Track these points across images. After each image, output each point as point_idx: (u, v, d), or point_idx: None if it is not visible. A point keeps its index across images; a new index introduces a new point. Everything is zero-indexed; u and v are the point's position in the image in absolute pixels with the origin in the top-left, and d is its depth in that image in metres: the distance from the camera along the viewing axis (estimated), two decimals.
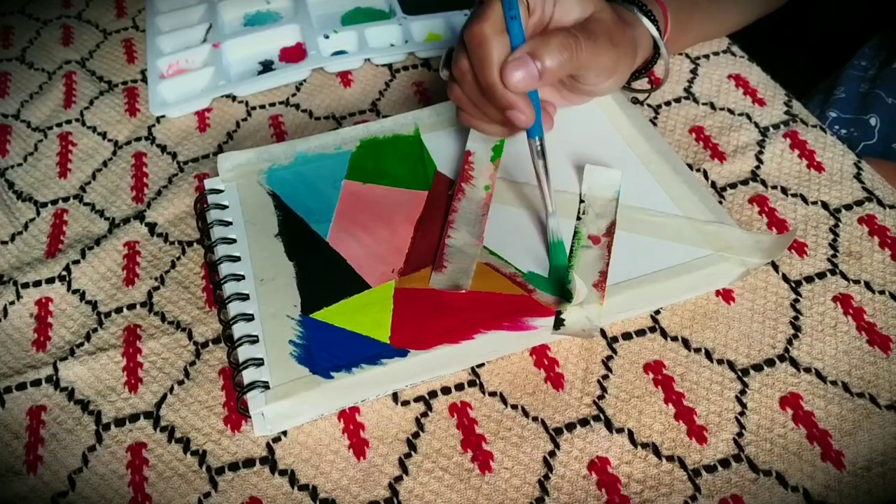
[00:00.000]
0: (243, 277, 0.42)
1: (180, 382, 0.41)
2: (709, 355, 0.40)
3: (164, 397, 0.40)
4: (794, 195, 0.47)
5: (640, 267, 0.41)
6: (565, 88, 0.47)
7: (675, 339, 0.40)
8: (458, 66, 0.41)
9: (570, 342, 0.41)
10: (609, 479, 0.36)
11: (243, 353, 0.39)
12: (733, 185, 0.47)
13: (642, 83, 0.52)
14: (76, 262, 0.47)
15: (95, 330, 0.44)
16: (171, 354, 0.42)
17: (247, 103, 0.57)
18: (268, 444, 0.38)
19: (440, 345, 0.38)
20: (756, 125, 0.51)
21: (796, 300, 0.42)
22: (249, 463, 0.37)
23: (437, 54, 0.60)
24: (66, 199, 0.52)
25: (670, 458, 0.36)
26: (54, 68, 0.63)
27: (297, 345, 0.39)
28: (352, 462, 0.37)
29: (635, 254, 0.42)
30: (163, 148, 0.55)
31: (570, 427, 0.37)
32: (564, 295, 0.40)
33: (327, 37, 0.61)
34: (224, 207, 0.46)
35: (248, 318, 0.40)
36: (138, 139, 0.56)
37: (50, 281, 0.46)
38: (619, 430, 0.37)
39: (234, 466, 0.37)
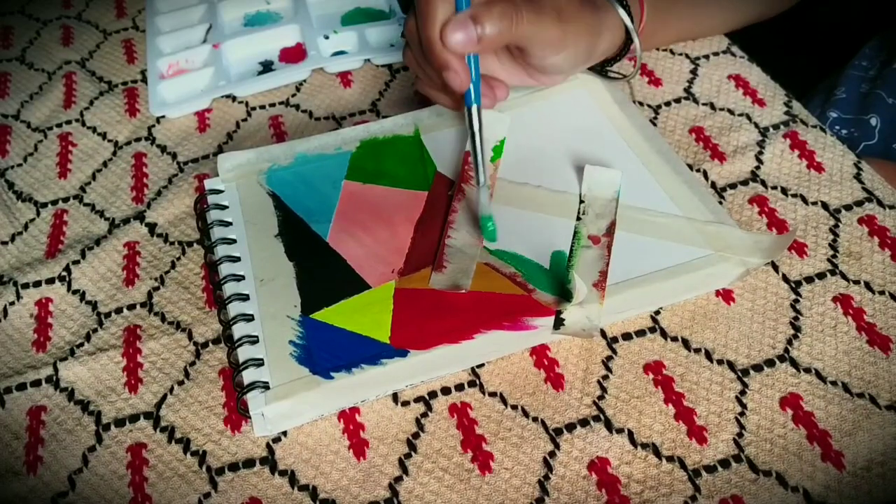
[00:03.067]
0: (243, 278, 0.42)
1: (180, 383, 0.41)
2: (709, 355, 0.40)
3: (164, 398, 0.40)
4: (794, 195, 0.47)
5: (640, 267, 0.41)
6: (523, 65, 0.47)
7: (675, 339, 0.40)
8: (408, 26, 0.43)
9: (570, 342, 0.41)
10: (609, 480, 0.36)
11: (243, 353, 0.39)
12: (733, 186, 0.47)
13: (619, 68, 0.52)
14: (76, 262, 0.47)
15: (95, 330, 0.44)
16: (171, 355, 0.42)
17: (247, 104, 0.57)
18: (268, 445, 0.38)
19: (440, 345, 0.38)
20: (756, 125, 0.51)
21: (796, 300, 0.42)
22: (249, 463, 0.37)
23: None
24: (66, 200, 0.52)
25: (670, 459, 0.36)
26: (54, 68, 0.63)
27: (297, 345, 0.39)
28: (352, 462, 0.37)
29: (635, 254, 0.42)
30: (163, 148, 0.55)
31: (570, 427, 0.37)
32: (564, 295, 0.40)
33: (327, 37, 0.61)
34: (224, 208, 0.46)
35: (248, 318, 0.40)
36: (138, 139, 0.56)
37: (50, 281, 0.46)
38: (619, 431, 0.37)
39: (234, 467, 0.37)
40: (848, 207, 0.46)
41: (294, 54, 0.61)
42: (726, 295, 0.42)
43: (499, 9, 0.40)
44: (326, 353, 0.39)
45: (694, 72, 0.55)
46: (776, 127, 0.51)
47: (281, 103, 0.57)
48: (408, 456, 0.37)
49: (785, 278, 0.43)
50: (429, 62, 0.41)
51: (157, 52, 0.60)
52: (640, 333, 0.41)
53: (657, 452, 0.36)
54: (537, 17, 0.41)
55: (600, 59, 0.49)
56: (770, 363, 0.39)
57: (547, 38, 0.43)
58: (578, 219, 0.44)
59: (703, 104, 0.53)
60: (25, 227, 0.51)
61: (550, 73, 0.48)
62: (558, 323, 0.39)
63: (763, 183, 0.47)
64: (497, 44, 0.41)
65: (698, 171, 0.48)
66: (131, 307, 0.45)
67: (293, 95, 0.58)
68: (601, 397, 0.38)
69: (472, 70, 0.41)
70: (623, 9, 0.46)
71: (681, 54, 0.57)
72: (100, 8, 0.69)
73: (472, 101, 0.42)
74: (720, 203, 0.46)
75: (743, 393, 0.38)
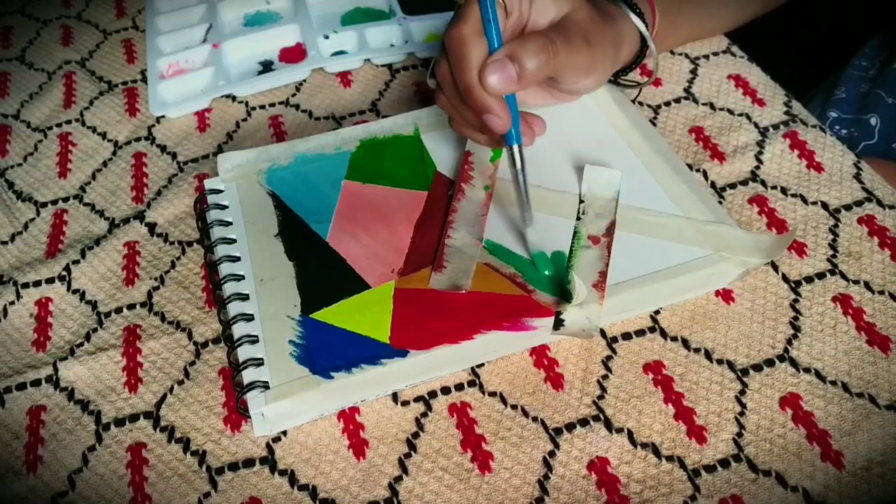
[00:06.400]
0: (243, 277, 0.42)
1: (180, 382, 0.41)
2: (708, 355, 0.40)
3: (164, 397, 0.40)
4: (793, 195, 0.47)
5: (639, 267, 0.41)
6: (547, 88, 0.47)
7: (674, 339, 0.40)
8: (440, 71, 0.41)
9: (569, 342, 0.41)
10: (609, 479, 0.36)
11: (243, 353, 0.39)
12: (733, 186, 0.47)
13: (633, 77, 0.52)
14: (76, 262, 0.47)
15: (95, 330, 0.44)
16: (171, 354, 0.42)
17: (247, 103, 0.57)
18: (268, 444, 0.38)
19: (440, 345, 0.39)
20: (756, 125, 0.51)
21: (796, 300, 0.42)
22: (249, 463, 0.37)
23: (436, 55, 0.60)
24: (66, 199, 0.52)
25: (670, 458, 0.36)
26: (54, 68, 0.63)
27: (297, 345, 0.39)
28: (352, 462, 0.37)
29: (635, 254, 0.42)
30: (163, 148, 0.55)
31: (570, 427, 0.37)
32: (564, 295, 0.40)
33: (327, 37, 0.61)
34: (224, 207, 0.46)
35: (248, 318, 0.40)
36: (138, 139, 0.56)
37: (50, 281, 0.46)
38: (619, 430, 0.37)
39: (233, 466, 0.37)
40: (848, 207, 0.46)
41: (294, 54, 0.61)
42: (726, 295, 0.42)
43: (534, 44, 0.39)
44: (326, 352, 0.39)
45: (694, 72, 0.55)
46: (776, 127, 0.51)
47: (281, 103, 0.57)
48: (408, 456, 0.37)
49: (785, 278, 0.43)
50: (466, 105, 0.40)
51: (157, 52, 0.60)
52: (640, 333, 0.41)
53: (657, 452, 0.36)
54: (569, 45, 0.40)
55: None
56: (770, 363, 0.39)
57: (578, 64, 0.42)
58: (578, 219, 0.44)
59: (703, 104, 0.53)
60: (25, 226, 0.51)
61: (576, 94, 0.47)
62: (558, 323, 0.39)
63: (763, 183, 0.47)
64: (537, 80, 0.40)
65: (698, 171, 0.48)
66: (131, 307, 0.45)
67: (293, 95, 0.58)
68: (601, 397, 0.38)
69: (511, 109, 0.39)
70: (637, 17, 0.46)
71: (680, 54, 0.57)
72: (100, 8, 0.69)
73: (514, 140, 0.40)
74: (720, 203, 0.46)
75: (743, 393, 0.38)
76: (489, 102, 0.38)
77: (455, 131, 0.45)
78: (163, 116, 0.57)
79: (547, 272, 0.41)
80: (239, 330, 0.40)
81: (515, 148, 0.40)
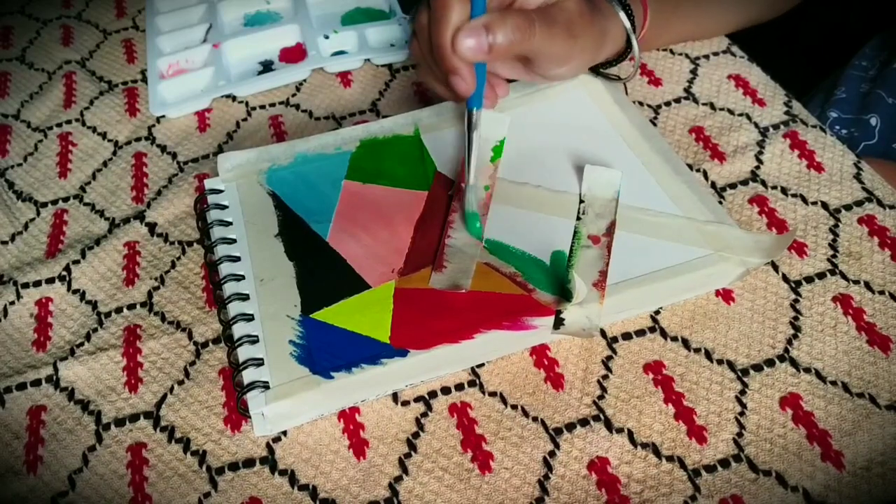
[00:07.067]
0: (243, 277, 0.42)
1: (180, 382, 0.41)
2: (709, 355, 0.40)
3: (164, 397, 0.40)
4: (793, 195, 0.47)
5: (639, 267, 0.41)
6: (522, 65, 0.47)
7: (674, 339, 0.40)
8: (418, 21, 0.42)
9: (569, 342, 0.41)
10: (609, 479, 0.36)
11: (243, 353, 0.39)
12: (733, 186, 0.47)
13: (614, 70, 0.52)
14: (76, 262, 0.47)
15: (95, 330, 0.44)
16: (171, 354, 0.42)
17: (247, 103, 0.57)
18: (268, 444, 0.38)
19: (440, 345, 0.39)
20: (756, 125, 0.51)
21: (796, 300, 0.42)
22: (249, 463, 0.37)
23: None
24: (66, 199, 0.52)
25: (670, 458, 0.36)
26: (54, 68, 0.63)
27: (297, 345, 0.39)
28: (352, 462, 0.37)
29: (635, 254, 0.42)
30: (163, 148, 0.55)
31: (570, 427, 0.37)
32: (564, 294, 0.40)
33: (327, 37, 0.61)
34: (224, 207, 0.46)
35: (248, 318, 0.40)
36: (138, 139, 0.56)
37: (50, 281, 0.46)
38: (619, 430, 0.37)
39: (234, 466, 0.37)
40: (848, 207, 0.46)
41: (294, 54, 0.61)
42: (726, 295, 0.42)
43: (513, 21, 0.39)
44: (326, 352, 0.39)
45: (694, 72, 0.55)
46: (776, 127, 0.51)
47: (281, 103, 0.57)
48: (408, 455, 0.37)
49: (785, 278, 0.43)
50: (435, 61, 0.41)
51: (157, 52, 0.60)
52: (640, 333, 0.41)
53: (657, 452, 0.36)
54: (549, 31, 0.40)
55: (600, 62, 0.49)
56: (770, 363, 0.39)
57: (555, 53, 0.42)
58: (578, 219, 0.44)
59: (703, 104, 0.53)
60: (25, 226, 0.51)
61: (552, 80, 0.48)
62: (558, 323, 0.39)
63: (763, 183, 0.47)
64: (506, 56, 0.41)
65: (698, 171, 0.48)
66: (131, 307, 0.45)
67: (293, 95, 0.58)
68: (601, 397, 0.38)
69: (478, 74, 0.40)
70: (626, 14, 0.46)
71: (681, 54, 0.57)
72: (100, 8, 0.69)
73: (475, 104, 0.42)
74: (720, 203, 0.46)
75: (743, 393, 0.38)
76: (457, 64, 0.39)
77: (420, 79, 0.46)
78: (163, 116, 0.57)
79: (476, 230, 0.42)
80: (239, 330, 0.40)
81: (474, 112, 0.42)
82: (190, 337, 0.43)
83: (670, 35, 0.56)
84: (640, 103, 0.53)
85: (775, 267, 0.43)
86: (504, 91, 0.46)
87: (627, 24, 0.46)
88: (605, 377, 0.39)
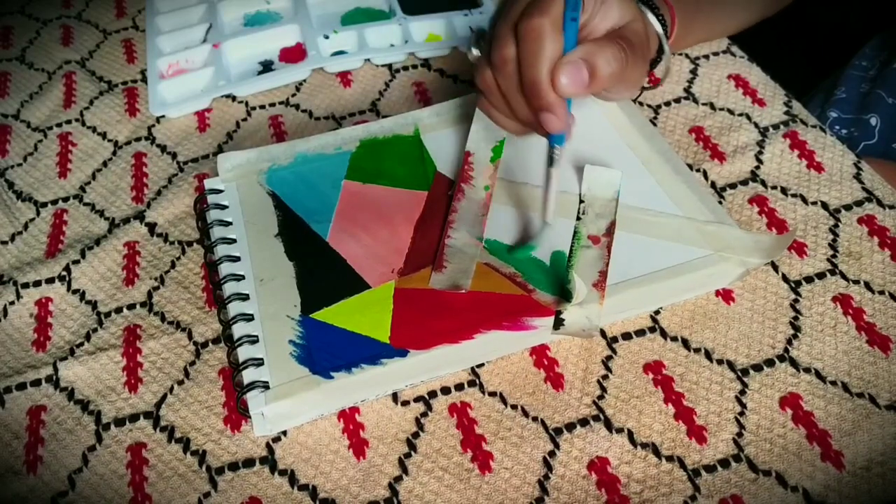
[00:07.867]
0: (243, 277, 0.42)
1: (180, 382, 0.41)
2: (708, 355, 0.40)
3: (164, 397, 0.40)
4: (793, 195, 0.47)
5: (639, 267, 0.41)
6: None
7: (674, 339, 0.40)
8: (502, 55, 0.38)
9: (569, 342, 0.41)
10: (609, 479, 0.36)
11: (243, 353, 0.39)
12: (733, 186, 0.47)
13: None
14: (76, 262, 0.47)
15: (95, 330, 0.44)
16: (171, 354, 0.42)
17: (247, 103, 0.57)
18: (268, 444, 0.38)
19: (440, 345, 0.38)
20: (756, 125, 0.51)
21: (796, 300, 0.42)
22: (249, 463, 0.37)
23: (437, 54, 0.60)
24: (66, 199, 0.52)
25: (670, 458, 0.36)
26: (54, 68, 0.63)
27: (297, 345, 0.39)
28: (352, 462, 0.37)
29: (635, 254, 0.42)
30: (163, 148, 0.55)
31: (570, 427, 0.37)
32: (564, 295, 0.40)
33: (327, 37, 0.61)
34: (224, 207, 0.46)
35: (248, 318, 0.40)
36: (138, 139, 0.56)
37: (50, 281, 0.46)
38: (619, 430, 0.37)
39: (234, 466, 0.37)
40: (848, 207, 0.46)
41: (294, 54, 0.61)
42: (726, 295, 0.42)
43: (612, 51, 0.37)
44: (326, 352, 0.39)
45: (694, 72, 0.55)
46: (776, 127, 0.51)
47: (281, 103, 0.57)
48: (408, 455, 0.37)
49: (785, 278, 0.43)
50: (523, 99, 0.39)
51: (157, 52, 0.60)
52: (640, 333, 0.41)
53: (657, 452, 0.36)
54: (634, 57, 0.38)
55: None
56: (770, 363, 0.39)
57: (634, 78, 0.40)
58: (578, 219, 0.44)
59: (703, 104, 0.53)
60: (25, 226, 0.51)
61: (610, 101, 0.46)
62: (558, 323, 0.39)
63: (763, 183, 0.47)
64: (605, 87, 0.38)
65: (698, 171, 0.48)
66: (131, 307, 0.45)
67: (293, 95, 0.58)
68: (601, 397, 0.38)
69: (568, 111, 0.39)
70: (658, 21, 0.45)
71: (680, 54, 0.57)
72: (100, 8, 0.69)
73: (559, 142, 0.40)
74: (720, 203, 0.46)
75: (743, 393, 0.38)
76: (553, 101, 0.37)
77: (482, 110, 0.43)
78: (163, 116, 0.57)
79: (544, 274, 0.41)
80: (239, 330, 0.40)
81: (558, 149, 0.40)
82: (190, 337, 0.43)
83: (690, 39, 0.55)
84: (640, 103, 0.53)
85: (775, 267, 0.43)
86: (573, 119, 0.45)
87: (660, 29, 0.45)
88: (605, 377, 0.39)
